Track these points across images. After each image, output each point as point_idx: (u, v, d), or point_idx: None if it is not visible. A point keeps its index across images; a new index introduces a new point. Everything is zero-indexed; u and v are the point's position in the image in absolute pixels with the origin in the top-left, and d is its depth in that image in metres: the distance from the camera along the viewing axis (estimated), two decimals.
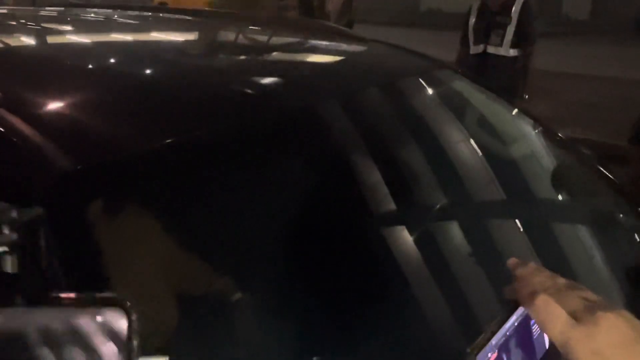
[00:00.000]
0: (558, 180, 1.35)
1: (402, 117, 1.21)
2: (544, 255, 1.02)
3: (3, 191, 0.66)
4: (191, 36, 1.53)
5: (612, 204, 1.41)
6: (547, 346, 0.86)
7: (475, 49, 3.79)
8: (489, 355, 0.76)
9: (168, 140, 0.80)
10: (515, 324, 0.81)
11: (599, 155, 1.60)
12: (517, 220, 1.13)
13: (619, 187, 1.44)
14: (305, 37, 1.56)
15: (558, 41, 9.94)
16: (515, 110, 1.51)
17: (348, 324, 0.77)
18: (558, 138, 1.53)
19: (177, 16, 1.82)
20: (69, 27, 1.50)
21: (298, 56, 1.39)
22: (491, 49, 3.72)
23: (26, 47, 1.22)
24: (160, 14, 1.90)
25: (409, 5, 17.30)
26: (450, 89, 1.40)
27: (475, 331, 0.80)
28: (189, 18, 1.78)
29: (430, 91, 1.34)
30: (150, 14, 1.87)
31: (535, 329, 0.85)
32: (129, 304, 0.43)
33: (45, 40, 1.35)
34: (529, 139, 1.48)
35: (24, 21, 1.56)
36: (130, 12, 1.78)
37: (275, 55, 1.39)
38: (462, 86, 1.46)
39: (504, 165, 1.26)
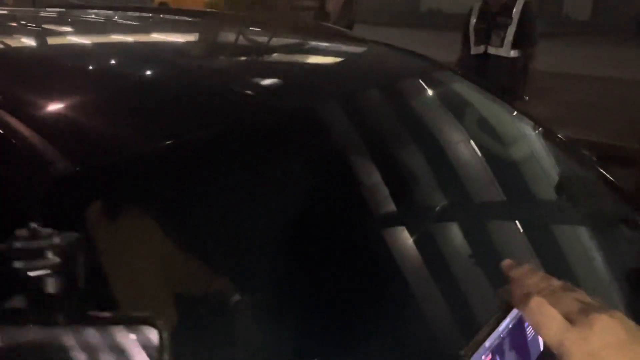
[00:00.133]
0: (557, 181, 1.35)
1: (401, 118, 1.21)
2: (543, 257, 1.02)
3: (3, 191, 0.66)
4: (190, 37, 1.53)
5: (611, 205, 1.41)
6: (541, 348, 0.85)
7: (476, 50, 3.80)
8: (483, 357, 0.75)
9: (168, 142, 0.80)
10: (510, 326, 0.80)
11: (599, 156, 1.60)
12: (515, 222, 1.13)
13: (619, 188, 1.44)
14: (304, 39, 1.56)
15: (558, 41, 9.95)
16: (514, 112, 1.51)
17: (342, 325, 0.77)
18: (557, 139, 1.53)
19: (176, 17, 1.82)
20: (68, 28, 1.50)
21: (297, 57, 1.39)
22: (492, 50, 3.73)
23: (26, 48, 1.22)
24: (161, 15, 1.90)
25: (409, 5, 17.32)
26: (449, 90, 1.40)
27: (469, 333, 0.79)
28: (189, 19, 1.78)
29: (429, 92, 1.34)
30: (150, 15, 1.87)
31: (530, 331, 0.84)
32: (160, 321, 0.47)
33: (45, 41, 1.35)
34: (527, 140, 1.48)
35: (23, 22, 1.56)
36: (130, 13, 1.78)
37: (275, 56, 1.39)
38: (461, 87, 1.46)
39: (502, 166, 1.26)
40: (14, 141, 0.71)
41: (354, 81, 1.20)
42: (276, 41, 1.55)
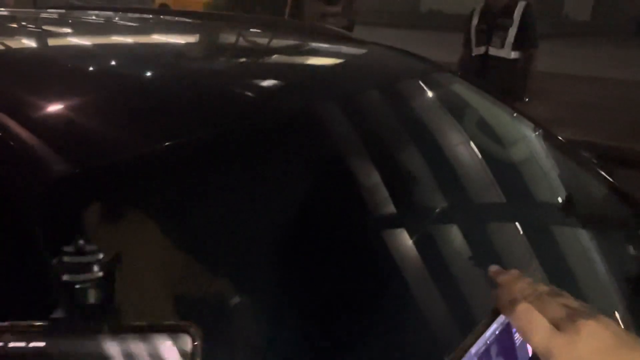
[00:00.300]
0: (557, 182, 1.35)
1: (400, 119, 1.21)
2: (541, 259, 1.02)
3: (3, 192, 0.66)
4: (191, 39, 1.53)
5: (611, 207, 1.41)
6: (530, 355, 0.83)
7: (477, 51, 3.81)
8: None
9: (169, 143, 0.80)
10: (497, 332, 0.78)
11: (599, 157, 1.60)
12: (513, 224, 1.13)
13: (619, 190, 1.44)
14: (304, 40, 1.56)
15: (559, 42, 9.95)
16: (514, 113, 1.51)
17: (335, 326, 0.77)
18: (557, 140, 1.53)
19: (177, 18, 1.82)
20: (68, 30, 1.50)
21: (296, 59, 1.39)
22: (493, 51, 3.74)
23: (26, 49, 1.22)
24: (161, 16, 1.90)
25: (409, 6, 17.33)
26: (448, 92, 1.41)
27: (454, 339, 0.78)
28: (189, 20, 1.78)
29: (428, 94, 1.34)
30: (150, 16, 1.87)
31: (517, 337, 0.82)
32: (194, 329, 0.50)
33: (45, 43, 1.35)
34: (527, 142, 1.48)
35: (24, 23, 1.57)
36: (130, 15, 1.78)
37: (275, 57, 1.39)
38: (460, 89, 1.46)
39: (501, 168, 1.26)
40: (13, 143, 0.72)
41: (353, 83, 1.20)
42: (276, 43, 1.55)
